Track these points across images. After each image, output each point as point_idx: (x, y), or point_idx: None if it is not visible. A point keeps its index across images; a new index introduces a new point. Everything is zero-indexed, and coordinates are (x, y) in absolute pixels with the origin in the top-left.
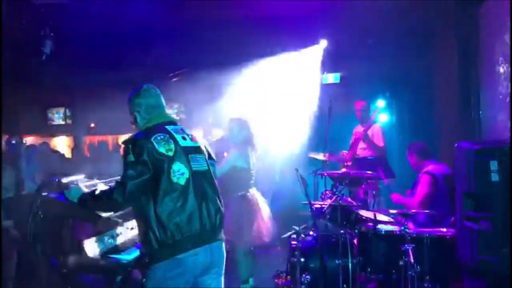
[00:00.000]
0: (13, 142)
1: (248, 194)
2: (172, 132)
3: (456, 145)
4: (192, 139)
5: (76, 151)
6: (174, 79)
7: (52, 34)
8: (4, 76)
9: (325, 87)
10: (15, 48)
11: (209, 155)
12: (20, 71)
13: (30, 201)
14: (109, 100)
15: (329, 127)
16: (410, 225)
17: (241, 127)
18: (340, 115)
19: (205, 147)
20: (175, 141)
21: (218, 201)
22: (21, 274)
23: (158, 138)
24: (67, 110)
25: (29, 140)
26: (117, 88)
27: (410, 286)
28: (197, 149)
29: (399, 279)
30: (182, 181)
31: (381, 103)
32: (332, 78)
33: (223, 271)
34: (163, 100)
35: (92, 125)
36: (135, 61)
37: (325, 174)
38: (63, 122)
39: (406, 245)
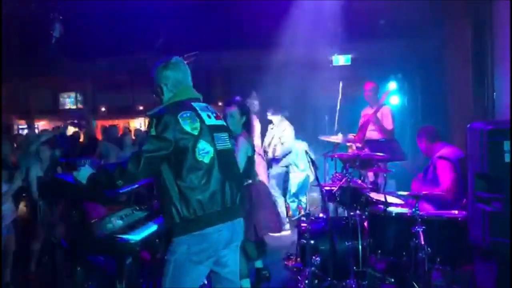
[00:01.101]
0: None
1: (252, 184)
2: (198, 110)
3: (468, 125)
4: (216, 117)
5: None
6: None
7: (61, 17)
8: (16, 61)
9: (336, 69)
10: (25, 32)
11: (231, 133)
12: (31, 55)
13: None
14: (120, 85)
15: (341, 110)
16: (428, 206)
17: (242, 112)
18: (351, 97)
19: (227, 125)
20: (201, 119)
21: (239, 179)
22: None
23: (184, 115)
24: (78, 95)
25: (40, 124)
26: (127, 73)
27: (421, 268)
28: (221, 128)
29: (410, 261)
30: (207, 160)
31: (392, 85)
32: (343, 60)
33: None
34: (190, 76)
35: (103, 109)
36: (145, 45)
37: (336, 156)
38: (74, 107)
39: (416, 227)
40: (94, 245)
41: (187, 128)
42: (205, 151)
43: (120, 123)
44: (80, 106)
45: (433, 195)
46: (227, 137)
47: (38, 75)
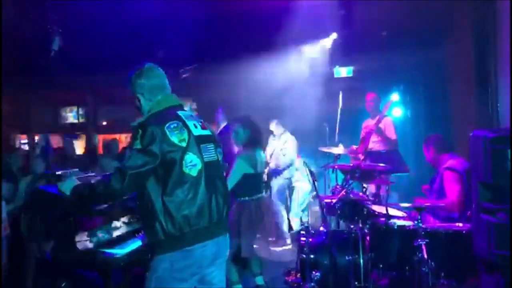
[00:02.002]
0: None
1: (252, 201)
2: (184, 119)
3: (471, 133)
4: (202, 126)
5: (88, 150)
6: (185, 75)
7: (60, 30)
8: (16, 74)
9: (338, 81)
10: (24, 46)
11: (217, 143)
12: (31, 69)
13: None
14: (121, 99)
15: (342, 121)
16: (430, 219)
17: (245, 127)
18: (353, 109)
19: (212, 134)
20: (188, 130)
21: (226, 193)
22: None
23: (171, 126)
24: (80, 109)
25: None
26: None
27: (424, 283)
28: (208, 138)
29: (413, 275)
30: (194, 173)
31: (395, 97)
32: (345, 71)
33: (225, 261)
34: (167, 81)
35: (104, 123)
36: (145, 58)
37: (336, 167)
38: (76, 121)
39: (419, 240)
40: (78, 259)
41: (175, 140)
42: (192, 163)
43: (122, 137)
44: (82, 120)
45: (437, 207)
46: (213, 148)
47: (39, 89)
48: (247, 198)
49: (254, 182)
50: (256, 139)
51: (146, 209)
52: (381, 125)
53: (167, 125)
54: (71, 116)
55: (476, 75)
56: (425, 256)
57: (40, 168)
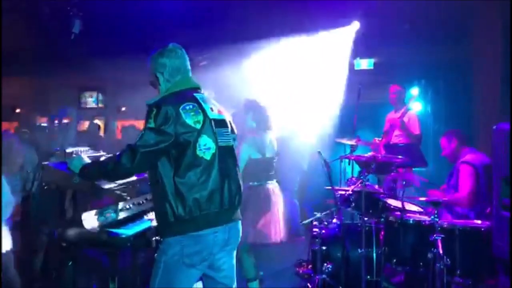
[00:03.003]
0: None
1: (261, 186)
2: (200, 101)
3: (494, 126)
4: (219, 110)
5: (107, 135)
6: (202, 63)
7: (80, 13)
8: (37, 58)
9: (358, 73)
10: (44, 28)
11: (232, 129)
12: (52, 53)
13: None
14: (140, 84)
15: (360, 114)
16: (448, 216)
17: (254, 110)
18: (372, 101)
19: (229, 120)
20: (204, 112)
21: (239, 179)
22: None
23: (187, 107)
24: (99, 94)
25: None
26: (148, 72)
27: (439, 280)
28: (223, 122)
29: (427, 272)
30: (207, 156)
31: (415, 91)
32: (366, 63)
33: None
34: (188, 63)
35: (123, 109)
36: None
37: (352, 158)
38: (95, 106)
39: (435, 235)
40: (85, 238)
41: (189, 121)
42: (206, 147)
43: (140, 123)
44: (101, 105)
45: (449, 201)
46: (228, 133)
47: (59, 73)
48: (256, 183)
49: (263, 168)
50: (263, 123)
51: (157, 190)
52: (405, 119)
53: (182, 106)
54: (91, 101)
55: (502, 71)
56: (440, 251)
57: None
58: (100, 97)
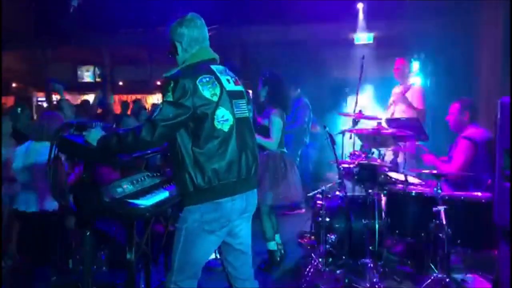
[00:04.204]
0: None
1: (277, 153)
2: (217, 73)
3: (499, 100)
4: (235, 82)
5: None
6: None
7: None
8: (34, 31)
9: (357, 48)
10: (42, 2)
11: (248, 100)
12: (50, 26)
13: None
14: (138, 59)
15: (360, 87)
16: (445, 187)
17: (264, 83)
18: (372, 76)
19: (245, 91)
20: (221, 84)
21: (255, 149)
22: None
23: (204, 80)
24: (97, 68)
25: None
26: (146, 47)
27: (440, 249)
28: (240, 94)
29: (429, 242)
30: (225, 128)
31: (415, 65)
32: (365, 38)
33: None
34: (207, 34)
35: (121, 83)
36: (164, 18)
37: (354, 131)
38: (92, 80)
39: (438, 206)
40: (102, 209)
41: (207, 94)
42: (224, 118)
43: (137, 97)
44: (98, 80)
45: (442, 173)
46: (245, 104)
47: (57, 47)
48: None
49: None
50: (280, 95)
51: (176, 160)
52: (408, 94)
53: (199, 78)
54: (87, 75)
55: (503, 45)
56: (444, 221)
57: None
58: (97, 71)
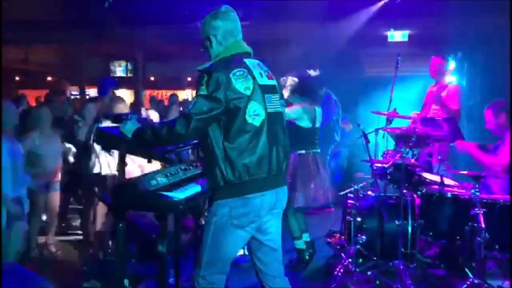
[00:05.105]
0: None
1: (309, 154)
2: (250, 67)
3: None
4: (268, 76)
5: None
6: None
7: None
8: (69, 26)
9: (391, 46)
10: None
11: (281, 95)
12: (84, 21)
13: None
14: (170, 55)
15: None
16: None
17: (301, 81)
18: (406, 75)
19: (278, 86)
20: (254, 78)
21: (287, 145)
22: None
23: (237, 74)
24: (129, 64)
25: (91, 91)
26: (177, 42)
27: (477, 253)
28: (273, 88)
29: (464, 245)
30: (257, 122)
31: (451, 64)
32: (400, 36)
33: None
34: (240, 26)
35: (152, 79)
36: (196, 15)
37: (388, 130)
38: (124, 75)
39: (476, 209)
40: (137, 201)
41: (240, 87)
42: (255, 113)
43: (168, 93)
44: (130, 75)
45: (487, 165)
46: (277, 99)
47: (91, 41)
48: (304, 151)
49: (311, 137)
50: (313, 95)
51: (207, 155)
52: (444, 93)
53: (232, 72)
54: (120, 70)
55: None
56: (482, 225)
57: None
58: (129, 66)
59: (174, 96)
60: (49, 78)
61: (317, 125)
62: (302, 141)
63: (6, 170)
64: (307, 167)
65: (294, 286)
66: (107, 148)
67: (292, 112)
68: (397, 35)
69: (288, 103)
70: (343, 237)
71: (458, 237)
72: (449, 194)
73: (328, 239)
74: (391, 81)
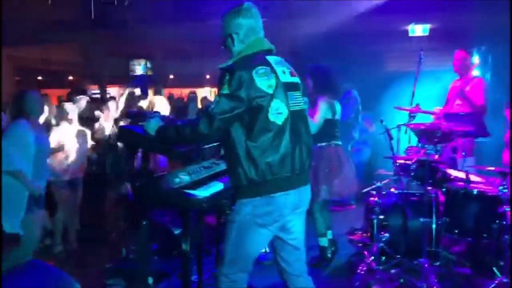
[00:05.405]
0: None
1: (330, 146)
2: (273, 64)
3: None
4: (291, 73)
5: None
6: None
7: None
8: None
9: (412, 40)
10: None
11: (304, 92)
12: (104, 18)
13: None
14: (189, 53)
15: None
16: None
17: (313, 76)
18: (427, 70)
19: (301, 83)
20: (276, 76)
21: (310, 143)
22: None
23: (260, 71)
24: (148, 62)
25: (112, 90)
26: (196, 41)
27: (503, 251)
28: (295, 86)
29: (491, 243)
30: (279, 121)
31: (475, 59)
32: (421, 30)
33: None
34: (261, 23)
35: (171, 77)
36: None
37: (412, 126)
38: (144, 74)
39: (504, 207)
40: (160, 198)
41: (263, 85)
42: (278, 111)
43: (186, 91)
44: (149, 73)
45: None
46: (300, 96)
47: (111, 40)
48: (324, 144)
49: (332, 129)
50: (334, 88)
51: (230, 153)
52: (467, 88)
53: (255, 70)
54: (139, 68)
55: None
56: (510, 223)
57: None
58: (149, 64)
59: (193, 94)
60: (70, 78)
61: (337, 117)
62: (322, 133)
63: (30, 156)
64: (329, 159)
65: (316, 284)
66: (129, 146)
67: (321, 115)
68: (418, 29)
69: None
70: (365, 234)
71: (484, 235)
72: (475, 191)
73: (350, 237)
74: (411, 77)
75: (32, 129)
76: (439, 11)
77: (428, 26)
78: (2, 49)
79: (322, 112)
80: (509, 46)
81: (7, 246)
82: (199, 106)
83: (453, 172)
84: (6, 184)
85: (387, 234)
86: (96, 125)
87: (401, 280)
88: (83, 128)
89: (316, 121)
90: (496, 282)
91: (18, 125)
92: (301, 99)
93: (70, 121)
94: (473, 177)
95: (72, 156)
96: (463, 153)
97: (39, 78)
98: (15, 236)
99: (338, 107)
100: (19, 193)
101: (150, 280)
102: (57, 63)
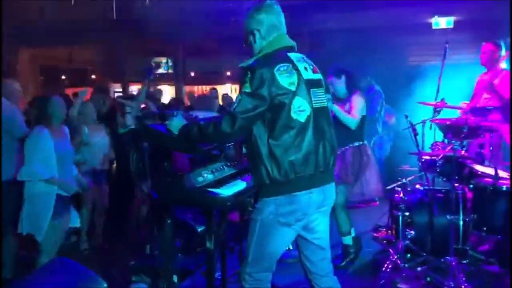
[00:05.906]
0: None
1: (360, 145)
2: (295, 61)
3: None
4: (313, 70)
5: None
6: None
7: None
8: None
9: (436, 33)
10: None
11: (327, 89)
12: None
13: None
14: (210, 50)
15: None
16: None
17: (337, 75)
18: (451, 63)
19: (323, 79)
20: (298, 73)
21: (334, 141)
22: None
23: (281, 69)
24: (169, 60)
25: (134, 89)
26: (217, 38)
27: None
28: (318, 83)
29: None
30: (302, 118)
31: (503, 51)
32: (445, 22)
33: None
34: (284, 20)
35: (192, 74)
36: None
37: (437, 121)
38: (165, 71)
39: None
40: (184, 197)
41: (284, 83)
42: (301, 108)
43: (208, 88)
44: (170, 71)
45: None
46: (323, 93)
47: (133, 39)
48: (357, 143)
49: (364, 126)
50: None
51: (252, 152)
52: (496, 81)
53: (276, 67)
54: (161, 66)
55: None
56: None
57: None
58: (170, 62)
59: (214, 90)
60: (93, 76)
61: (364, 113)
62: (354, 133)
63: (54, 162)
64: (356, 160)
65: (341, 282)
66: (153, 146)
67: (359, 111)
68: (442, 22)
69: (334, 97)
70: (390, 232)
71: None
72: (504, 187)
73: (374, 234)
74: (435, 70)
75: (52, 136)
76: (463, 3)
77: (452, 19)
78: (2, 48)
79: (360, 108)
80: None
81: None
82: (220, 102)
83: (481, 168)
84: (38, 192)
85: (412, 232)
86: (118, 122)
87: (428, 279)
88: (104, 126)
89: (355, 117)
90: None
91: (38, 135)
92: (324, 96)
93: (93, 120)
94: (501, 173)
95: (95, 152)
96: (490, 149)
97: (63, 77)
98: None
99: (365, 104)
100: (47, 199)
101: (175, 278)
102: (81, 62)
